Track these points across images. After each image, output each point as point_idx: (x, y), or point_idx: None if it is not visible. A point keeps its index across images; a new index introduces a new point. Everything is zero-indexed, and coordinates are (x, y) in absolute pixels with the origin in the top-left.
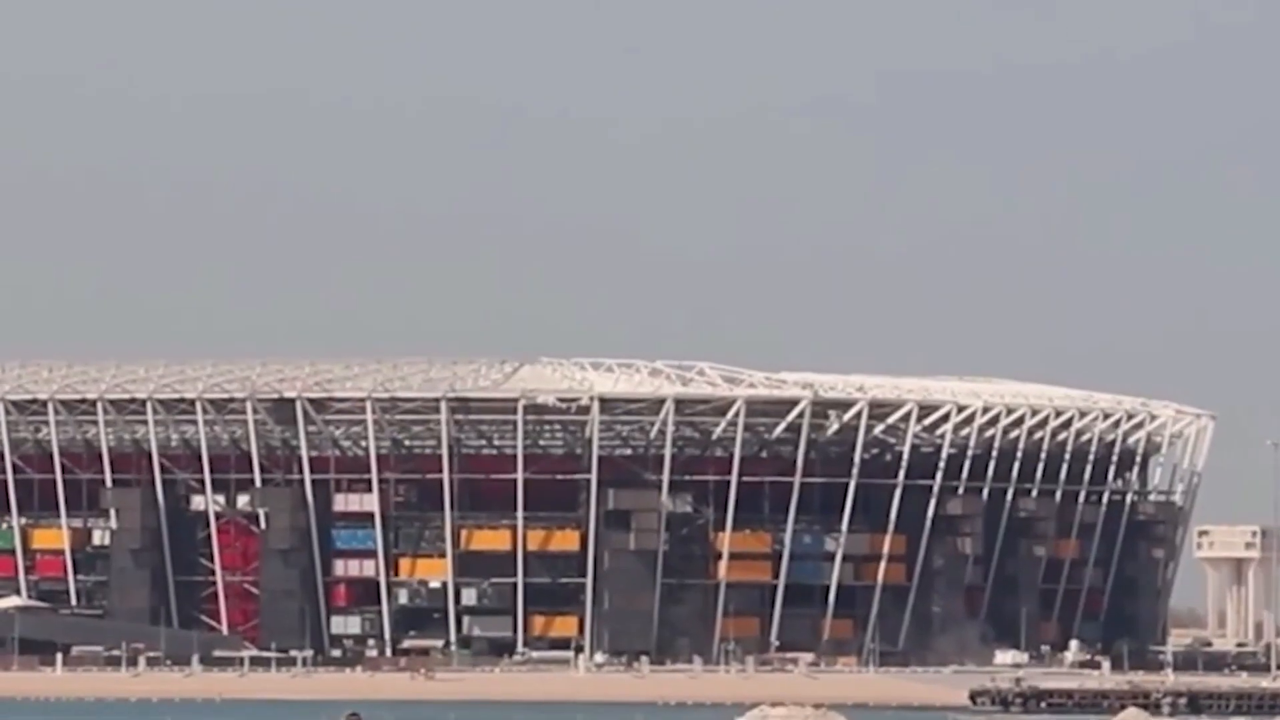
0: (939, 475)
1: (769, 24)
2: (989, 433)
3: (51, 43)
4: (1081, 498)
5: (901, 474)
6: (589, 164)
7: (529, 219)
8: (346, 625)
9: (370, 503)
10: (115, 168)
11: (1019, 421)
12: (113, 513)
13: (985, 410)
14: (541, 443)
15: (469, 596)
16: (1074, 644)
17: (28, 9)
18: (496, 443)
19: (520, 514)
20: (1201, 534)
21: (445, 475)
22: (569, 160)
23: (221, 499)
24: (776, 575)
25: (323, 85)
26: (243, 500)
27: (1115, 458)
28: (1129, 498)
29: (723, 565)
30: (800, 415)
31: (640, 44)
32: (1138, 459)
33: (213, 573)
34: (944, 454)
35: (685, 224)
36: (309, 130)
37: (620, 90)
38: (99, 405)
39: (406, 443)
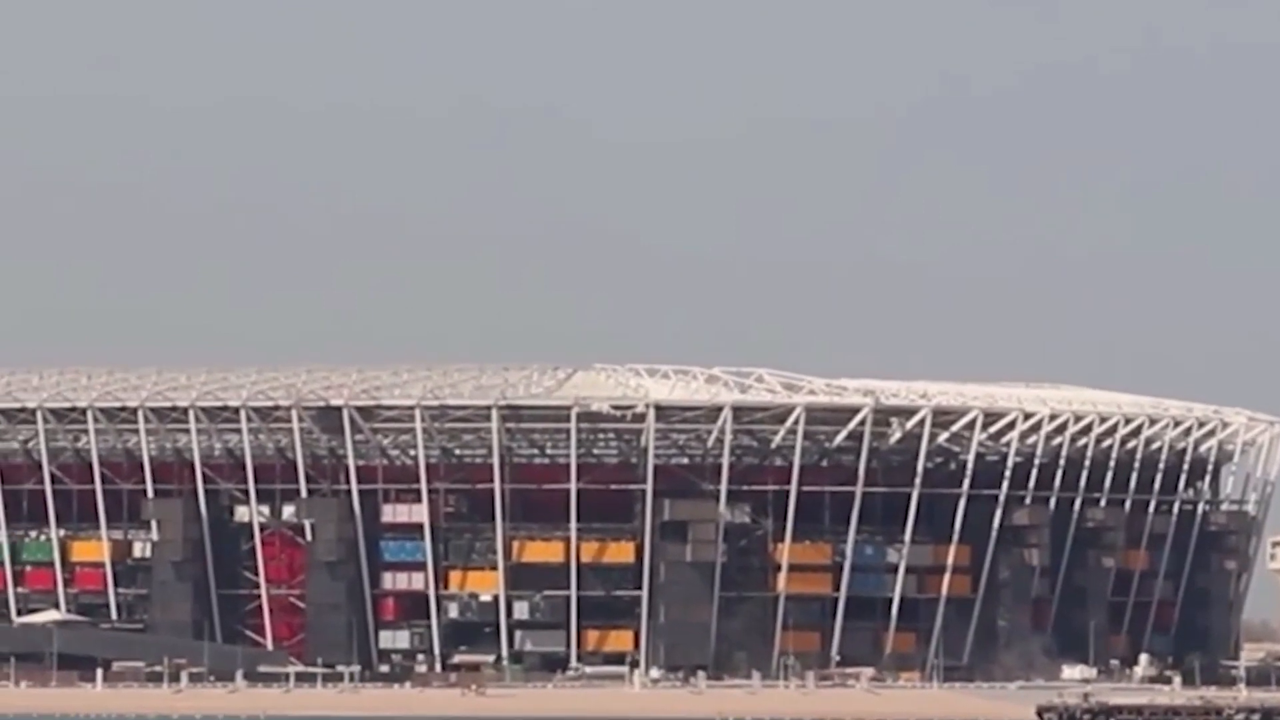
0: (1005, 484)
1: (812, 28)
2: (1056, 440)
3: (90, 57)
4: (1151, 507)
5: (966, 483)
6: (644, 169)
7: (582, 224)
8: (395, 640)
9: (419, 514)
10: (152, 175)
11: (1087, 429)
12: (154, 524)
13: (1052, 417)
14: (595, 451)
15: (521, 610)
16: (1144, 658)
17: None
18: (549, 451)
19: (574, 525)
20: (1275, 544)
21: (496, 485)
22: (624, 165)
23: (266, 510)
24: (837, 588)
25: (370, 91)
26: (288, 511)
27: (1186, 466)
28: (1200, 507)
29: (782, 577)
30: (862, 423)
31: (684, 50)
32: (1209, 467)
33: (257, 586)
34: (1010, 462)
35: (745, 228)
36: (362, 139)
37: (680, 96)
38: (140, 413)
39: (457, 452)
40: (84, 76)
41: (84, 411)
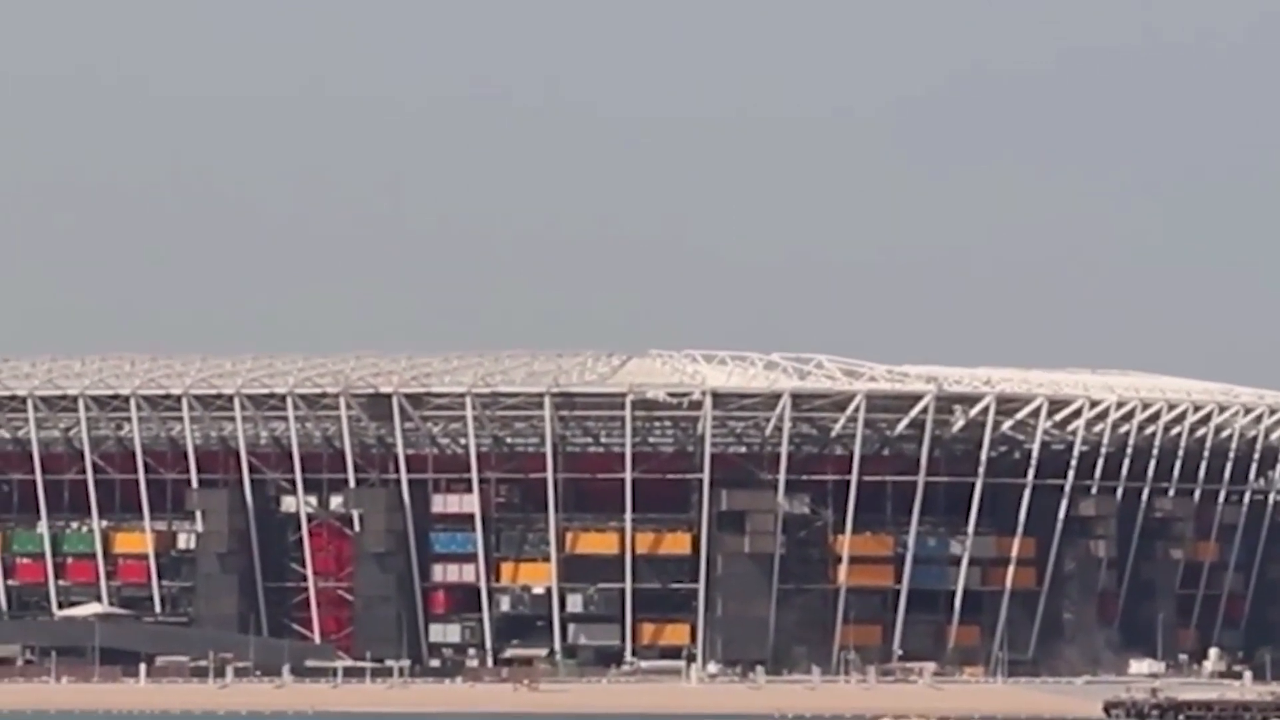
0: (1071, 474)
1: (859, 17)
2: (1123, 429)
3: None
4: (1221, 497)
5: (1031, 473)
6: (701, 153)
7: (637, 208)
8: (445, 634)
9: (470, 504)
10: (197, 160)
11: (1155, 417)
12: (199, 515)
13: (1120, 405)
14: (651, 440)
15: (574, 603)
16: (1213, 652)
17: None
18: (603, 440)
19: (628, 515)
20: None
21: (549, 474)
22: (681, 149)
23: (313, 500)
24: (899, 580)
25: (419, 81)
26: (336, 501)
27: (1257, 455)
28: (1271, 497)
29: (842, 570)
30: (924, 411)
31: (732, 41)
32: None
33: (304, 578)
34: (1076, 451)
35: (804, 213)
36: (411, 127)
37: (729, 84)
38: (184, 401)
39: (508, 440)
40: (132, 61)
41: (127, 399)
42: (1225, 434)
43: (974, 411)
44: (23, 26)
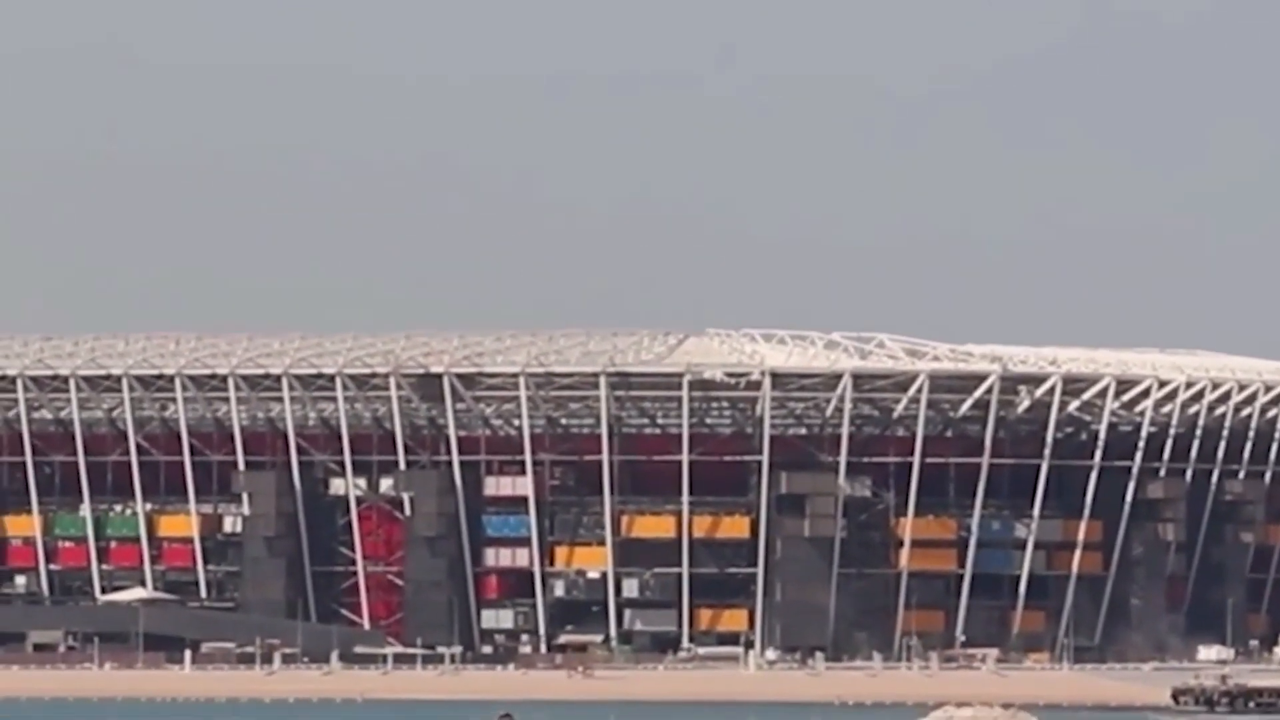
0: (1138, 456)
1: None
2: (1193, 409)
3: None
4: None
5: (1098, 454)
6: (763, 129)
7: (695, 184)
8: (498, 619)
9: (524, 486)
10: (246, 138)
11: (1225, 397)
12: (245, 498)
13: (1189, 385)
14: (708, 421)
15: (630, 588)
16: None
17: None
18: (660, 421)
19: (685, 499)
20: None
21: (605, 457)
22: (744, 124)
23: (363, 482)
24: (962, 564)
25: (471, 57)
26: (386, 484)
27: None
28: None
29: (904, 554)
30: (988, 391)
31: (802, 15)
32: None
33: (353, 563)
34: (1144, 433)
35: (865, 190)
36: (466, 103)
37: (805, 59)
38: (230, 381)
39: (563, 421)
40: (174, 33)
41: (172, 379)
42: None
43: (1039, 392)
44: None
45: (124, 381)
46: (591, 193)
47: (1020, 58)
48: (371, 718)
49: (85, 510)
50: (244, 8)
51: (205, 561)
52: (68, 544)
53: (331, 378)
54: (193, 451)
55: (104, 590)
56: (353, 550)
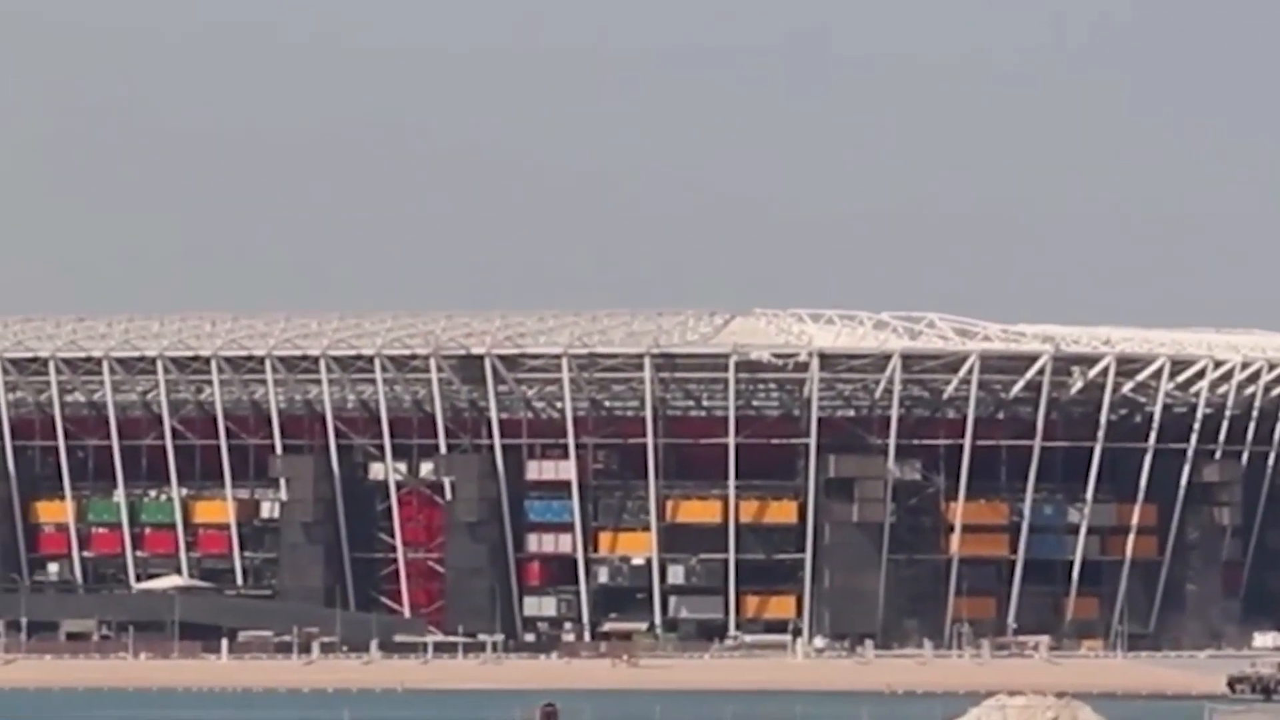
0: (1194, 438)
1: None
2: (1249, 390)
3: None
4: None
5: (1152, 437)
6: (813, 107)
7: (740, 162)
8: (541, 607)
9: (567, 470)
10: (283, 115)
11: None
12: (283, 483)
13: (1245, 365)
14: (755, 403)
15: (675, 574)
16: None
17: None
18: (706, 403)
19: (732, 483)
20: None
21: (649, 440)
22: (792, 103)
23: (403, 467)
24: (1014, 550)
25: (516, 33)
26: (426, 468)
27: None
28: None
29: (955, 539)
30: (1040, 372)
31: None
32: None
33: (393, 549)
34: (1199, 414)
35: (913, 165)
36: (509, 79)
37: (852, 34)
38: (268, 363)
39: (606, 404)
40: (229, 9)
41: (208, 361)
42: None
43: (1093, 372)
44: None
45: (159, 363)
46: (637, 170)
47: (1072, 37)
48: (412, 708)
49: (119, 496)
50: None
51: (242, 548)
52: (101, 530)
53: (371, 359)
54: (229, 435)
55: (138, 578)
56: (392, 536)
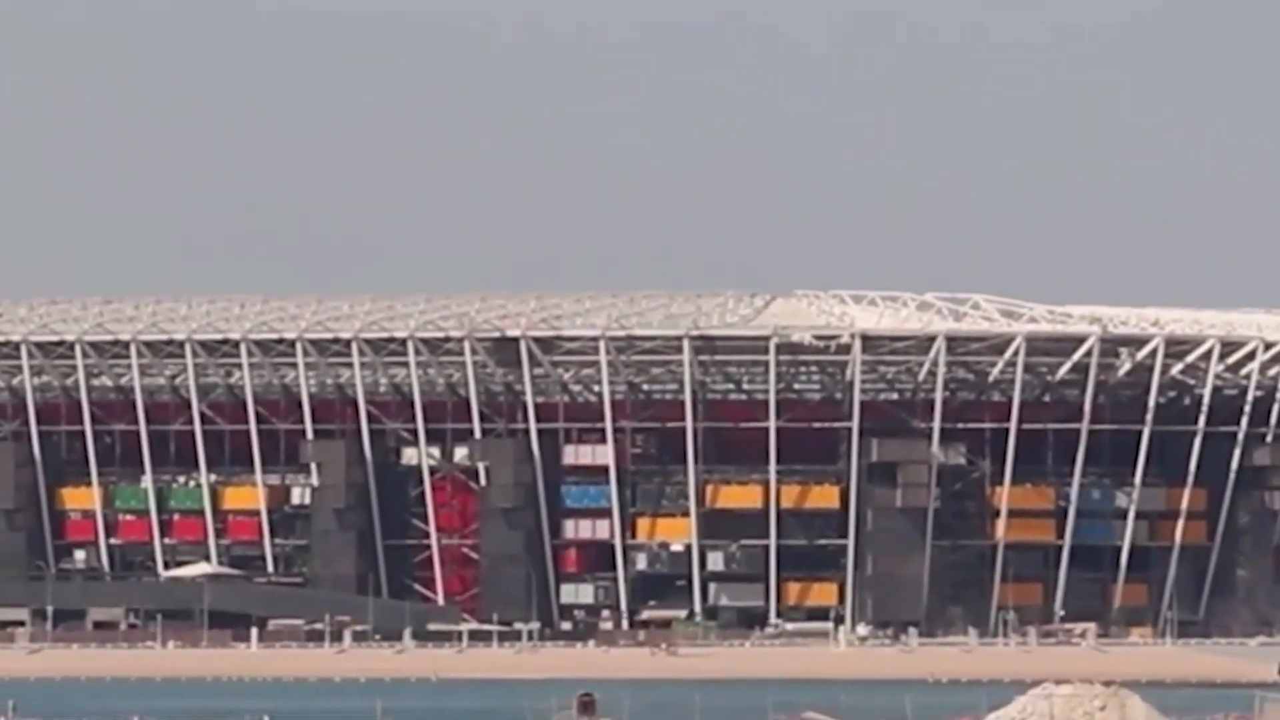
0: (1244, 421)
1: None
2: None
3: None
4: None
5: (1202, 419)
6: (852, 85)
7: (779, 139)
8: (577, 594)
9: (604, 455)
10: (314, 92)
11: None
12: (314, 468)
13: None
14: (796, 386)
15: (715, 561)
16: None
17: None
18: (746, 386)
19: (773, 467)
20: None
21: (688, 424)
22: (837, 79)
23: (436, 452)
24: (1061, 535)
25: (560, 12)
26: (460, 453)
27: None
28: None
29: (1000, 524)
30: (1088, 354)
31: None
32: None
33: (427, 535)
34: (1250, 396)
35: (956, 143)
36: (549, 60)
37: (896, 13)
38: (298, 345)
39: (645, 387)
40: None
41: (237, 344)
42: None
43: (1141, 354)
44: None
45: (187, 347)
46: (674, 148)
47: (1131, 18)
48: (446, 697)
49: (147, 482)
50: None
51: (272, 535)
52: (129, 517)
53: (403, 342)
54: (259, 420)
55: (167, 565)
56: (426, 523)
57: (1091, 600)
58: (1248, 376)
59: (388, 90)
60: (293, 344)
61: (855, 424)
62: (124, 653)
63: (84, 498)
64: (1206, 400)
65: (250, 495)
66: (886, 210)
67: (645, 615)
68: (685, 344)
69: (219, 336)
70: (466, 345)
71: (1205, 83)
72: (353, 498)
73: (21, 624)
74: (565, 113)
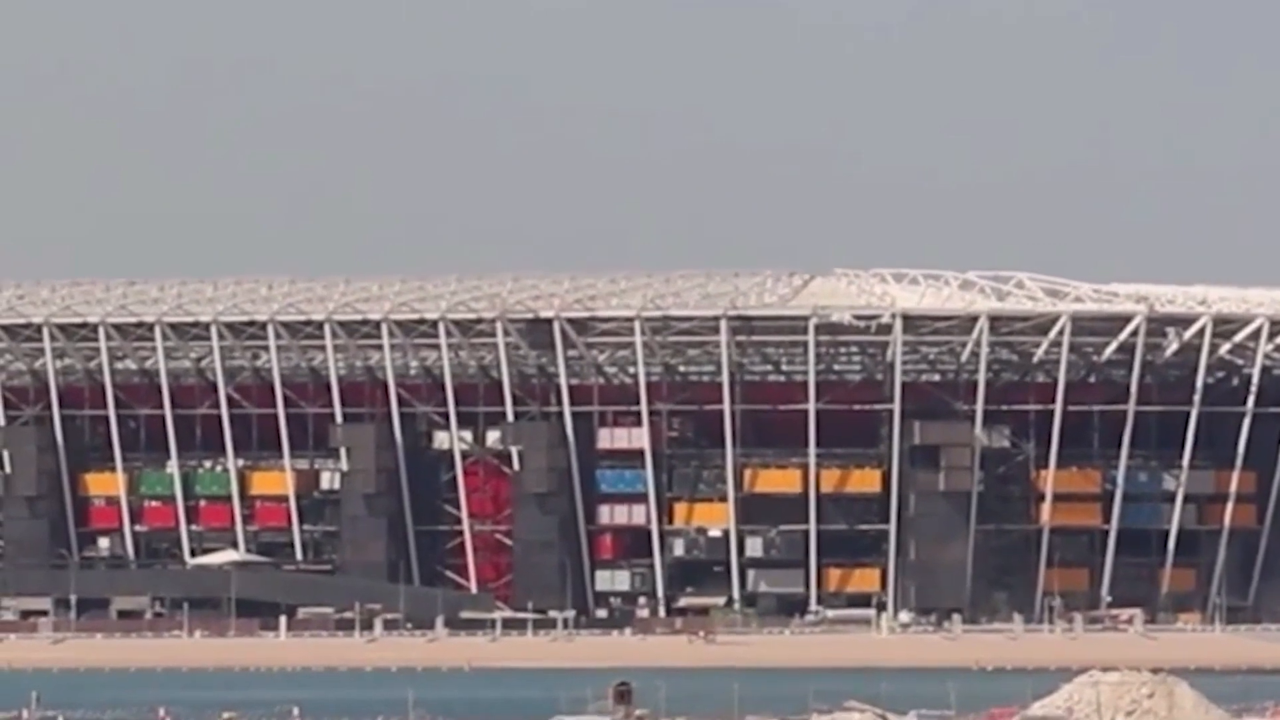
0: None
1: None
2: None
3: None
4: None
5: (1250, 400)
6: (895, 61)
7: (819, 116)
8: (613, 581)
9: (640, 439)
10: (343, 71)
11: None
12: (343, 452)
13: None
14: (836, 368)
15: (754, 547)
16: None
17: None
18: (785, 368)
19: (812, 451)
20: None
21: (726, 406)
22: (874, 58)
23: (468, 435)
24: (1108, 519)
25: None
26: (493, 437)
27: None
28: None
29: (1045, 508)
30: (1134, 333)
31: None
32: None
33: (459, 521)
34: None
35: (1000, 119)
36: (589, 37)
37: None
38: (327, 327)
39: (681, 368)
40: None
41: (264, 326)
42: None
43: (1189, 334)
44: None
45: (213, 329)
46: (709, 126)
47: None
48: (479, 687)
49: (173, 467)
50: None
51: (301, 521)
52: (154, 503)
53: (434, 323)
54: (287, 403)
55: (193, 553)
56: (458, 508)
57: (1139, 586)
58: None
59: (420, 68)
60: (321, 326)
61: (897, 406)
62: (149, 643)
63: (108, 484)
64: (1256, 380)
65: (278, 480)
66: (928, 187)
67: (682, 602)
68: (722, 324)
69: (245, 318)
70: (499, 326)
71: (1257, 61)
72: (383, 483)
73: (44, 614)
74: (600, 91)
